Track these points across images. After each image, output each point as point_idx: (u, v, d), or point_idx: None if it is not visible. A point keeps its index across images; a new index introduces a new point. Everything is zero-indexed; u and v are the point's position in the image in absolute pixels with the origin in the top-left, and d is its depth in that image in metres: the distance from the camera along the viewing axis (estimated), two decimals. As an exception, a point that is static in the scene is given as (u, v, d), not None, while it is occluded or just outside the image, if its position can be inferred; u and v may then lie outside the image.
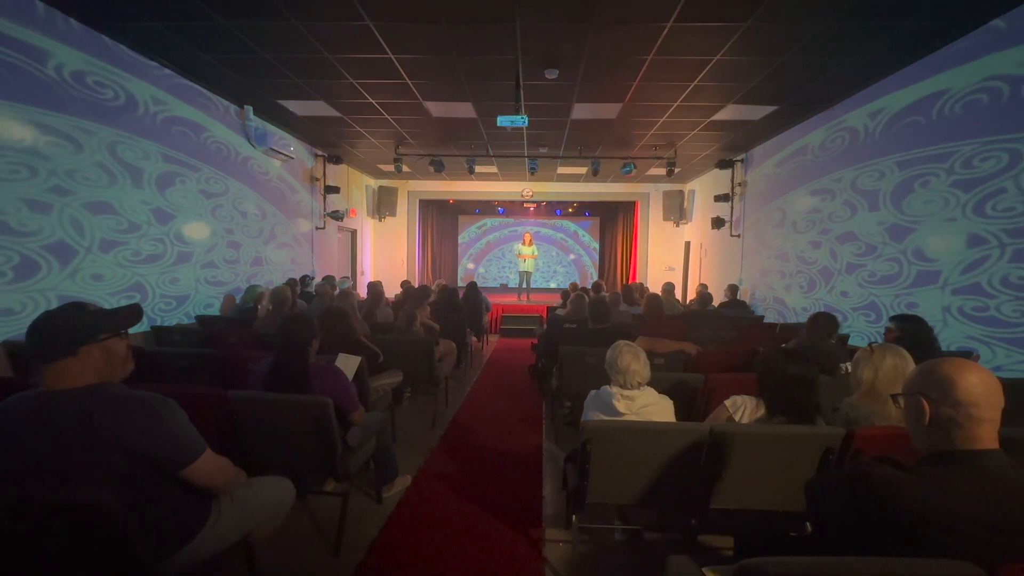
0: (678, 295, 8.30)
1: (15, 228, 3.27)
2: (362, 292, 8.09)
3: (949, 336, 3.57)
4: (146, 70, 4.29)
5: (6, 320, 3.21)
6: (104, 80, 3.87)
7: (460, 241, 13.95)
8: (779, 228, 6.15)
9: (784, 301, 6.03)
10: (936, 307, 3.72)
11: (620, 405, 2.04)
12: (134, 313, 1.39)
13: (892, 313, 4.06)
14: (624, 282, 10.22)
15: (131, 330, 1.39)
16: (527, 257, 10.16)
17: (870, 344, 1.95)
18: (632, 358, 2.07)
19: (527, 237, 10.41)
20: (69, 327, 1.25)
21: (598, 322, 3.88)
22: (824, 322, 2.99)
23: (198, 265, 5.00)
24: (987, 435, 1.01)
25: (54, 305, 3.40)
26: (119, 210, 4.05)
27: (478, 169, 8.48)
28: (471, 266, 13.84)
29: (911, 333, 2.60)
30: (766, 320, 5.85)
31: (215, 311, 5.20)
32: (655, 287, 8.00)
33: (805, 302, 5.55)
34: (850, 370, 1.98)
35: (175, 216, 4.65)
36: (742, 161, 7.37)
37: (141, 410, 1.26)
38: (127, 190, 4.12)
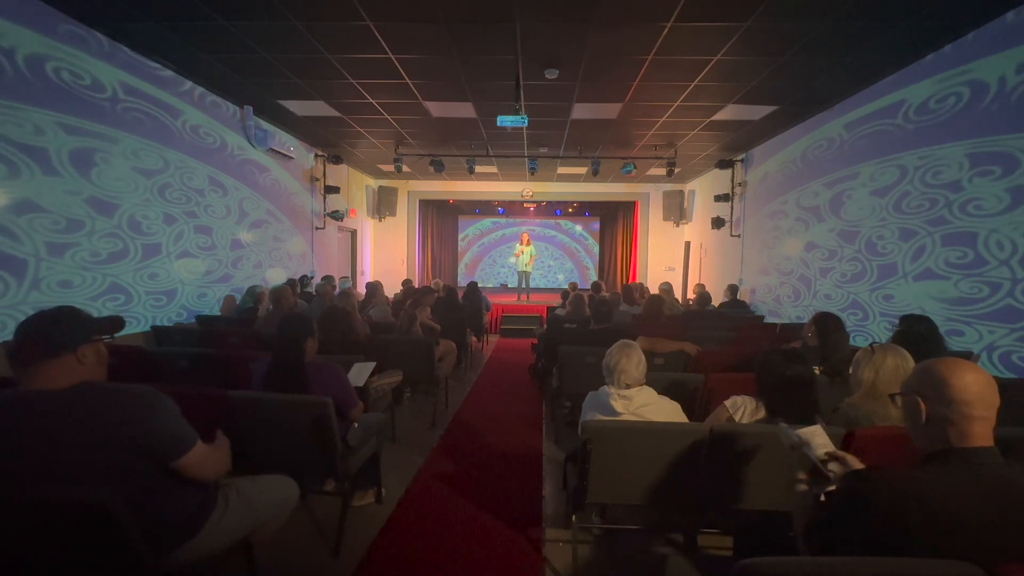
0: (678, 295, 8.29)
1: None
2: (362, 292, 8.08)
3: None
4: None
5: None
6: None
7: (460, 241, 13.92)
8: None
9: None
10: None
11: (618, 404, 2.04)
12: (116, 323, 1.44)
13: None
14: (624, 282, 10.21)
15: (132, 330, 1.40)
16: (525, 256, 10.17)
17: (871, 344, 1.94)
18: (624, 358, 2.05)
19: (524, 237, 10.43)
20: (74, 324, 1.28)
21: (600, 322, 3.88)
22: (835, 322, 2.82)
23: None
24: (981, 432, 1.01)
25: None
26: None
27: (478, 169, 8.48)
28: (468, 277, 13.76)
29: (917, 333, 2.52)
30: (768, 319, 5.84)
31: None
32: (655, 287, 7.98)
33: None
34: (851, 370, 1.98)
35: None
36: (742, 161, 7.37)
37: (134, 401, 1.26)
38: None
